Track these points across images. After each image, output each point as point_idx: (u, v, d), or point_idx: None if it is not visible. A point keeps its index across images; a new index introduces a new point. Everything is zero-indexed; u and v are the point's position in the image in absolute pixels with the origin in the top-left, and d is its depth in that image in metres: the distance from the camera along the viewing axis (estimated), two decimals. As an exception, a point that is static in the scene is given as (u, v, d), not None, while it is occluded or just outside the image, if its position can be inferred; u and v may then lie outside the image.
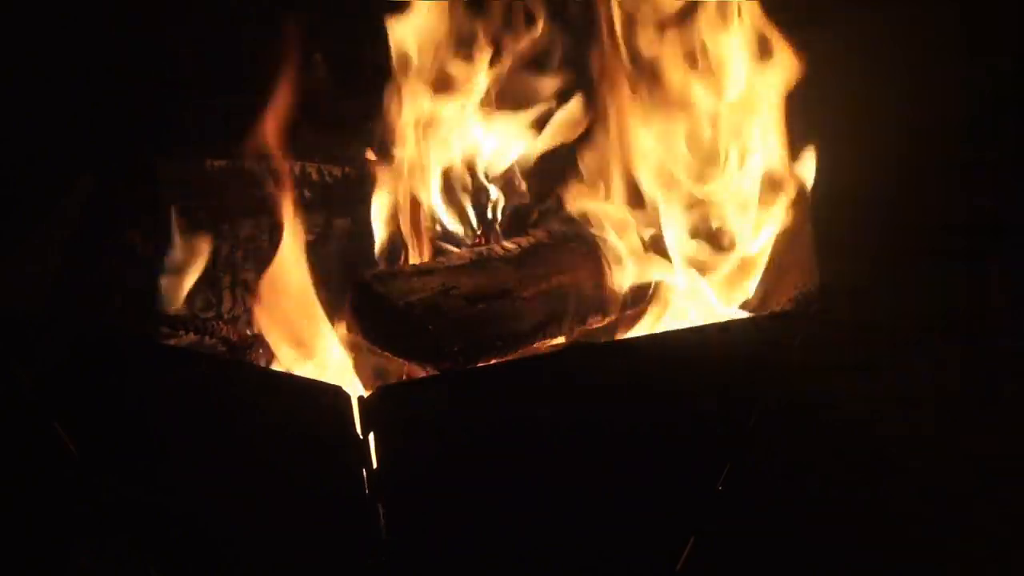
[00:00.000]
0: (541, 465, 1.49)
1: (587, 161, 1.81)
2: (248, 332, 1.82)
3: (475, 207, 1.89)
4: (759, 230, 1.74)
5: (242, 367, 1.69)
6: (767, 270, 1.73)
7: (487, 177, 1.89)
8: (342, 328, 1.67)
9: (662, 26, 1.75)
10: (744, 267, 1.74)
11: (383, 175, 1.85)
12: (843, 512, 1.91)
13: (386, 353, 1.65)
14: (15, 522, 1.87)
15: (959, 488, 1.96)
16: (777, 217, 1.72)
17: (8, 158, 1.86)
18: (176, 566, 1.65)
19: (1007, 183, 2.07)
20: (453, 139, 1.87)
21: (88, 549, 1.81)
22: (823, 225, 1.71)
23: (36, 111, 1.91)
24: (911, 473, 1.99)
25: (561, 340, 1.72)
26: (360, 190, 1.89)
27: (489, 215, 1.89)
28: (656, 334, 1.69)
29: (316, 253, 1.87)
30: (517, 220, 1.90)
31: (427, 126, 1.84)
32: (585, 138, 1.83)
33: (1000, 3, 1.98)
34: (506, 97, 1.86)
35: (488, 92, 1.85)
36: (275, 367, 1.65)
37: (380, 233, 1.86)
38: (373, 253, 1.87)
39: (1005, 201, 2.08)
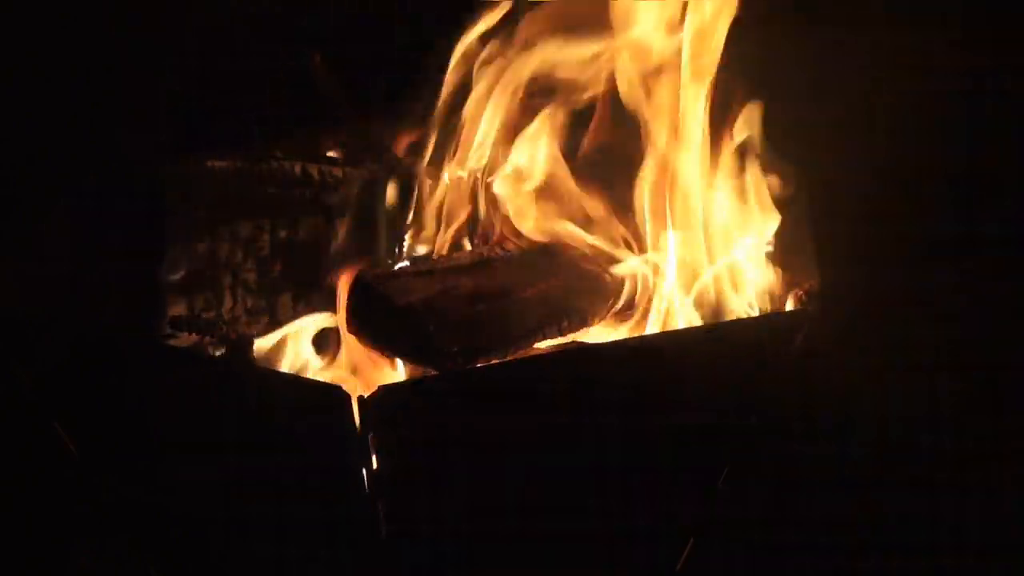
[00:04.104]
0: (541, 465, 1.49)
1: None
2: (248, 332, 1.83)
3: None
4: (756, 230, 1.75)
5: (242, 367, 1.69)
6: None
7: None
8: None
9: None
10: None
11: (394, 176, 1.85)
12: (843, 512, 1.91)
13: (386, 353, 1.66)
14: (15, 522, 1.87)
15: (959, 488, 1.96)
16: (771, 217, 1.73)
17: (8, 158, 1.86)
18: (176, 566, 1.65)
19: (1012, 184, 2.07)
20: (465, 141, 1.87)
21: (88, 549, 1.81)
22: (823, 225, 1.71)
23: (36, 111, 1.91)
24: (911, 473, 1.98)
25: (561, 340, 1.72)
26: (367, 190, 1.89)
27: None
28: (656, 334, 1.69)
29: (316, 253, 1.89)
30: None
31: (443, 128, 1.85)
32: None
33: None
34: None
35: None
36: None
37: (385, 233, 1.86)
38: (373, 253, 1.88)
39: (1009, 202, 2.08)
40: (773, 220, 1.74)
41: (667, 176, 1.77)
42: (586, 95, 1.81)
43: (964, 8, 1.92)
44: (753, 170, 1.76)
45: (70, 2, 1.96)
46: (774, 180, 1.76)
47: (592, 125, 1.82)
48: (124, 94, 1.97)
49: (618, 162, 1.80)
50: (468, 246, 1.87)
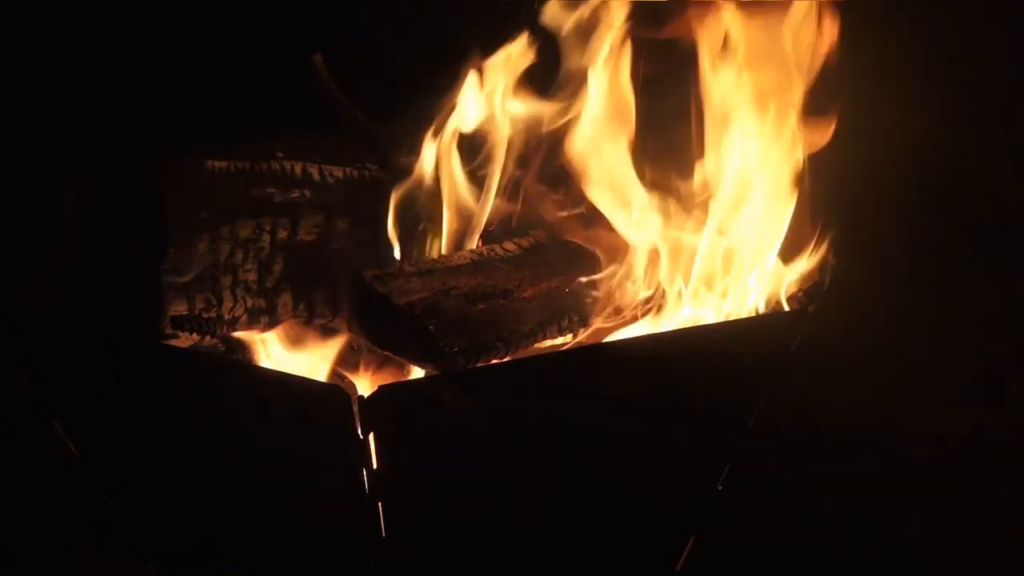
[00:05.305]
0: (541, 465, 1.49)
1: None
2: (249, 332, 1.83)
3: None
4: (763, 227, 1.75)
5: (242, 367, 1.69)
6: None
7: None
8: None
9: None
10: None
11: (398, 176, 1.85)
12: (843, 512, 1.91)
13: (386, 353, 1.66)
14: (15, 522, 1.87)
15: (959, 488, 1.96)
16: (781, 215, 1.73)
17: (8, 158, 1.86)
18: (176, 566, 1.65)
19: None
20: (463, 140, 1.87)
21: (88, 549, 1.81)
22: (823, 224, 1.71)
23: (36, 110, 1.91)
24: (911, 473, 1.99)
25: (561, 340, 1.72)
26: (367, 191, 1.89)
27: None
28: (656, 334, 1.69)
29: (316, 253, 1.89)
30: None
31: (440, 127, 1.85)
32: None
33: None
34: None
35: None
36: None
37: (390, 233, 1.86)
38: (374, 253, 1.87)
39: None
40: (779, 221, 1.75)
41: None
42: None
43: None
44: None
45: (70, 2, 1.96)
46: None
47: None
48: (124, 94, 1.97)
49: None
50: (470, 246, 1.87)
